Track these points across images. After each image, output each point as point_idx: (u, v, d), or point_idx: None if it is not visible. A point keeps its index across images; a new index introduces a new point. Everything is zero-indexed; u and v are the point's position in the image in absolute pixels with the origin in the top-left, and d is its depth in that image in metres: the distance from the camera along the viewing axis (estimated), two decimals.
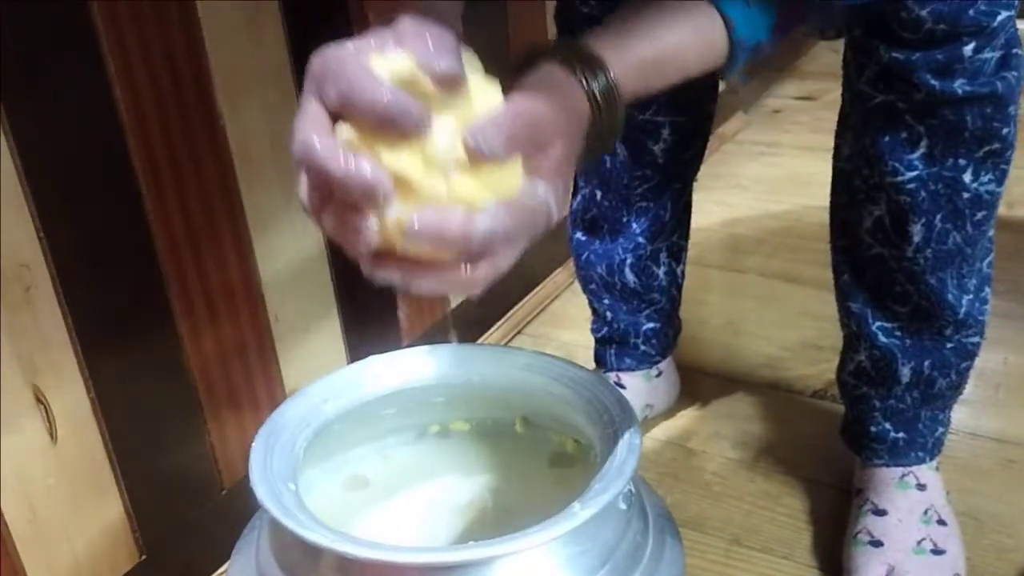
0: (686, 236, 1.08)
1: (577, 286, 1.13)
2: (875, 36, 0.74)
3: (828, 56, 2.30)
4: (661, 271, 1.05)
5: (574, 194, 1.06)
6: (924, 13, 0.69)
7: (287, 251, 0.99)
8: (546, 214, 0.51)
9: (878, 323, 0.88)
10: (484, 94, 0.50)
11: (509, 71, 0.54)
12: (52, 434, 0.80)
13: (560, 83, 0.53)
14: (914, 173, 0.78)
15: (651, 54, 0.57)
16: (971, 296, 0.84)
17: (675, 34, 0.58)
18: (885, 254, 0.83)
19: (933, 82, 0.73)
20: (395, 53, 0.49)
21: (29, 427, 0.78)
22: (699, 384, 1.20)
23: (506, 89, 0.52)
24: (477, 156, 0.48)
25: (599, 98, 0.54)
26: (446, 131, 0.48)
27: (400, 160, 0.47)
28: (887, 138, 0.78)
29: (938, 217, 0.79)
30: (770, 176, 1.79)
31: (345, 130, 0.48)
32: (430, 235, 0.47)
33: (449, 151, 0.48)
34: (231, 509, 0.94)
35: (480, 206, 0.48)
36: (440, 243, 0.48)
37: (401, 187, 0.47)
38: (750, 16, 0.59)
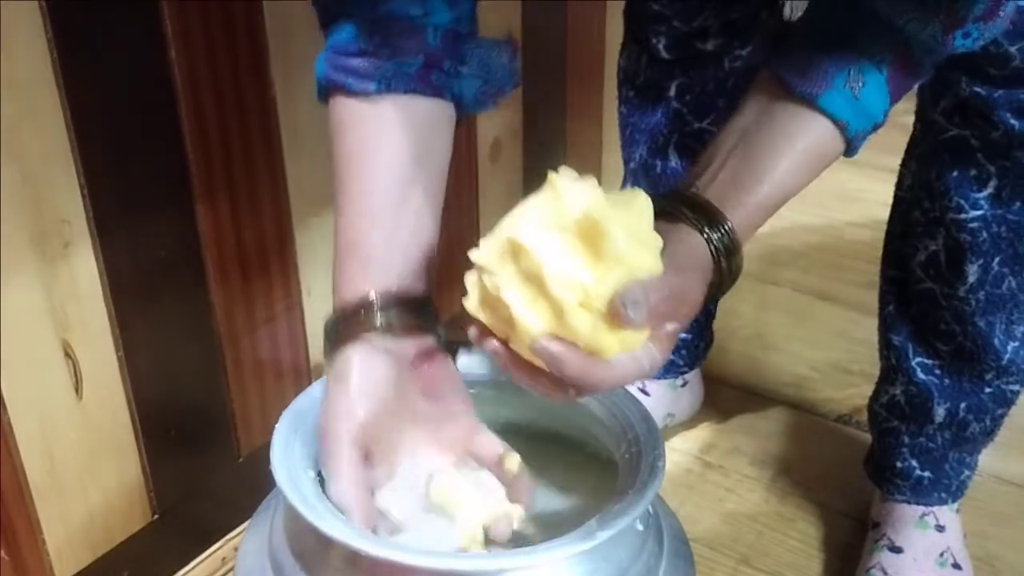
0: None
1: None
2: (957, 68, 0.72)
3: None
4: None
5: None
6: (1014, 50, 0.67)
7: (326, 225, 0.99)
8: (649, 374, 0.54)
9: (918, 359, 0.86)
10: (647, 255, 0.52)
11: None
12: (78, 389, 0.80)
13: (700, 249, 0.55)
14: (978, 212, 0.76)
15: (770, 195, 0.58)
16: (1017, 343, 0.82)
17: (793, 165, 0.58)
18: (936, 290, 0.82)
19: (1012, 121, 0.71)
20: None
21: (56, 381, 0.78)
22: (722, 396, 1.19)
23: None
24: (620, 320, 0.50)
25: (723, 258, 0.56)
26: (608, 283, 0.50)
27: (566, 289, 0.50)
28: (955, 173, 0.76)
29: (996, 260, 0.78)
30: (815, 188, 1.73)
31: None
32: (550, 362, 0.51)
33: (604, 301, 0.50)
34: (246, 477, 0.94)
35: (606, 356, 0.52)
36: (554, 371, 0.51)
37: (554, 309, 0.50)
38: (860, 109, 0.57)
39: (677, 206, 0.57)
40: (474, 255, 0.52)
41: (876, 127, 0.59)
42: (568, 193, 0.51)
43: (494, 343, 0.53)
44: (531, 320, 0.51)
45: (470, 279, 0.53)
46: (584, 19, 1.33)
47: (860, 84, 0.56)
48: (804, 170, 0.58)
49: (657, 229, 0.53)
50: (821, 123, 0.57)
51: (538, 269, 0.50)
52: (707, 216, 0.56)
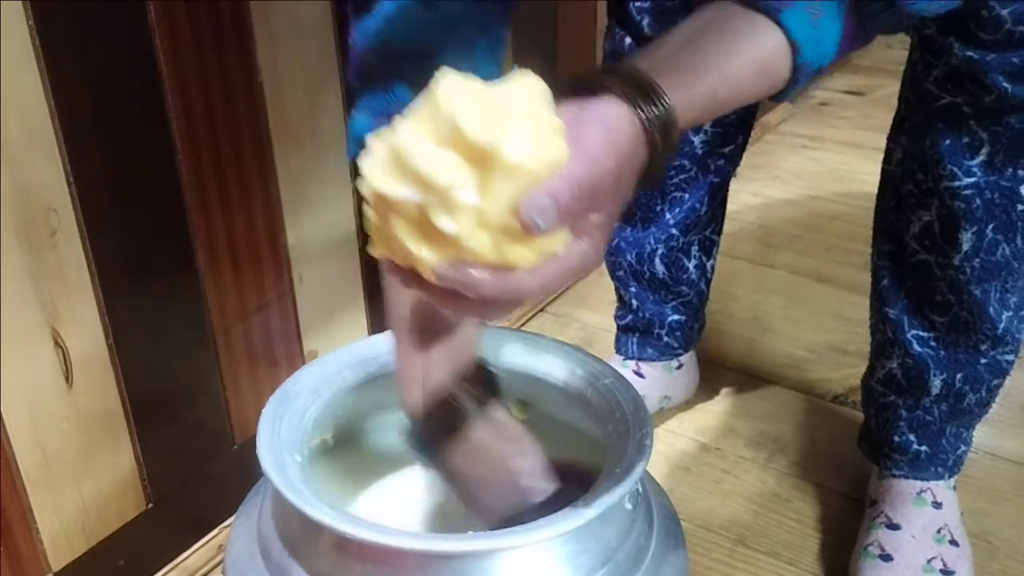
0: (719, 231, 1.06)
1: (604, 268, 1.11)
2: (949, 34, 0.71)
3: (881, 51, 2.25)
4: (691, 264, 1.04)
5: None
6: (1005, 13, 0.67)
7: (316, 212, 0.99)
8: (583, 270, 0.50)
9: (914, 331, 0.86)
10: (547, 151, 0.47)
11: (560, 92, 0.51)
12: (68, 378, 0.80)
13: (621, 124, 0.50)
14: (971, 179, 0.76)
15: (711, 87, 0.53)
16: (1011, 313, 0.82)
17: (737, 64, 0.54)
18: (930, 261, 0.82)
19: (1005, 85, 0.70)
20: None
21: (46, 370, 0.78)
22: (719, 378, 1.19)
23: (562, 115, 0.49)
24: (530, 232, 0.46)
25: (658, 134, 0.51)
26: (502, 197, 0.46)
27: (457, 215, 0.46)
28: (948, 141, 0.76)
29: (990, 227, 0.77)
30: (810, 171, 1.76)
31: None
32: (460, 288, 0.48)
33: (503, 216, 0.46)
34: (240, 465, 0.94)
35: (521, 266, 0.48)
36: (470, 294, 0.48)
37: (449, 240, 0.47)
38: (816, 39, 0.54)
39: (607, 77, 0.51)
40: (364, 168, 0.48)
41: (819, 71, 0.56)
42: (448, 102, 0.46)
43: (404, 275, 0.49)
44: (426, 255, 0.47)
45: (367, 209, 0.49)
46: (575, 5, 1.32)
47: (820, 15, 0.54)
48: (752, 75, 0.54)
49: (571, 106, 0.49)
50: (776, 37, 0.54)
51: (423, 198, 0.46)
52: (642, 89, 0.50)
